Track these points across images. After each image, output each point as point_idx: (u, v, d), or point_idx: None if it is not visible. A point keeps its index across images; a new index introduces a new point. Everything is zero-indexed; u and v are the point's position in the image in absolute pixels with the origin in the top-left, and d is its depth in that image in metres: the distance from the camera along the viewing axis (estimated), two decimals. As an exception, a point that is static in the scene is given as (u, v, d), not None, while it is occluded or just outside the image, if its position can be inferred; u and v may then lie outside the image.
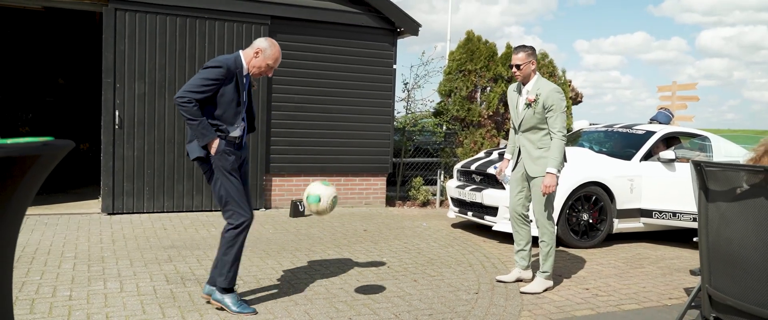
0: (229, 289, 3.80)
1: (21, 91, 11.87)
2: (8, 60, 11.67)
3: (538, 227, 4.56)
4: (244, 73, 3.80)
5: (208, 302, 3.88)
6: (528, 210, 4.70)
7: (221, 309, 3.77)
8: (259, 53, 3.77)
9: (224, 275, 3.77)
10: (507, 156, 4.83)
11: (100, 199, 7.43)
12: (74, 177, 9.68)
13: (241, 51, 3.84)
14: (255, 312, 3.77)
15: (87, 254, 5.20)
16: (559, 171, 4.36)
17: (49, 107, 12.09)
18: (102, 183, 7.26)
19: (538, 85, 4.44)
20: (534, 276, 4.73)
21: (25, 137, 1.90)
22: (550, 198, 4.48)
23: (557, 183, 4.43)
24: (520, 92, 4.57)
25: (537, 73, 4.51)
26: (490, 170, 6.35)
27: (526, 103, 4.46)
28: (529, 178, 4.54)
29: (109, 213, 7.23)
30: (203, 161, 3.76)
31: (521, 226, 4.73)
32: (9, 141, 1.77)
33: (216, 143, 3.68)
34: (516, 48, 4.52)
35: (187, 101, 3.60)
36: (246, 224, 3.77)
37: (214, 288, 3.85)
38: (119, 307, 3.81)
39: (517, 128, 4.60)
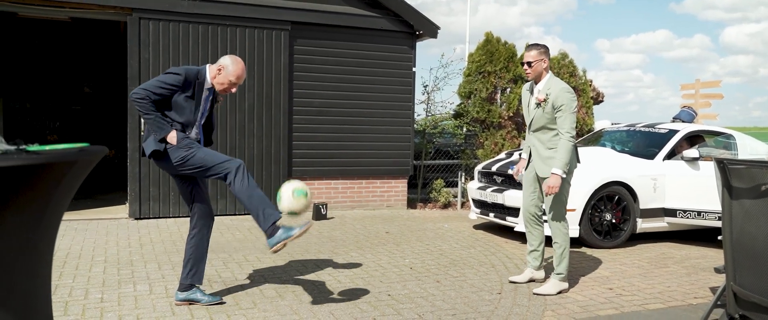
0: (276, 227, 3.60)
1: (49, 99, 12.14)
2: (36, 70, 11.94)
3: (550, 228, 4.54)
4: (208, 85, 3.86)
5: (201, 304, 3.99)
6: (541, 210, 4.68)
7: (217, 303, 3.84)
8: (222, 70, 3.81)
9: (264, 217, 3.61)
10: (523, 156, 4.81)
11: (127, 205, 7.58)
12: (101, 184, 9.88)
13: (208, 65, 3.92)
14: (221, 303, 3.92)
15: (116, 258, 5.31)
16: (565, 172, 4.30)
17: (76, 115, 12.34)
18: (129, 189, 7.41)
19: (549, 84, 4.40)
20: (547, 277, 4.71)
21: (58, 144, 1.98)
22: (561, 198, 4.44)
23: (567, 184, 4.42)
24: (532, 92, 4.55)
25: (549, 72, 4.48)
26: (510, 171, 6.33)
27: (536, 103, 4.44)
28: (539, 179, 4.54)
29: (136, 218, 7.37)
30: (159, 157, 3.78)
31: (534, 227, 4.70)
32: (47, 147, 1.85)
33: (173, 134, 3.72)
34: (528, 46, 4.51)
35: (141, 98, 3.69)
36: (241, 166, 3.70)
37: (188, 292, 3.97)
38: (149, 309, 3.90)
39: (528, 128, 4.60)
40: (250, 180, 3.70)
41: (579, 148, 7.14)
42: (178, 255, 5.45)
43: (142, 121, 3.81)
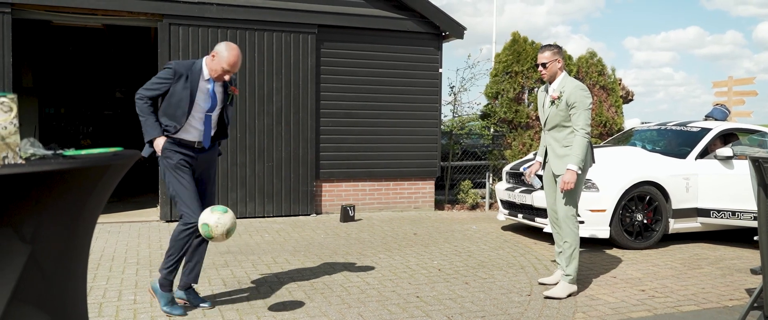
0: (165, 285, 3.87)
1: (82, 105, 12.41)
2: (71, 76, 12.22)
3: (561, 226, 4.47)
4: (206, 77, 3.85)
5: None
6: None
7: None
8: (215, 56, 3.80)
9: (164, 268, 3.86)
10: (538, 158, 4.80)
11: (158, 207, 7.70)
12: (132, 187, 10.06)
13: (204, 57, 3.93)
14: (184, 314, 3.88)
15: (148, 260, 5.40)
16: (580, 168, 4.28)
17: (108, 120, 12.59)
18: (160, 192, 7.53)
19: (563, 83, 4.42)
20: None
21: (91, 148, 2.02)
22: (574, 197, 4.40)
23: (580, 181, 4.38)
24: (547, 91, 4.57)
25: (564, 71, 4.49)
26: (522, 169, 6.22)
27: (550, 100, 4.46)
28: (555, 177, 4.50)
29: (167, 221, 7.48)
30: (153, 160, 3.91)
31: (556, 226, 4.66)
32: (82, 152, 1.89)
33: (158, 141, 3.78)
34: (542, 47, 4.52)
35: (139, 98, 3.79)
36: (192, 227, 3.74)
37: (189, 290, 4.06)
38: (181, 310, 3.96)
39: (544, 126, 4.61)
40: (186, 239, 3.81)
41: (609, 148, 7.09)
42: (207, 258, 5.52)
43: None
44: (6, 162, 1.59)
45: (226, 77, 3.85)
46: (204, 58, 3.90)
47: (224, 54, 3.77)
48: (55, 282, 1.70)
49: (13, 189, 1.46)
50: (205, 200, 3.96)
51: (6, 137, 1.59)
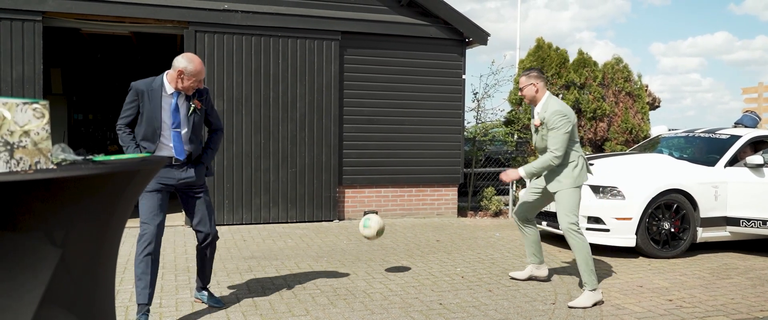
0: (143, 305, 3.73)
1: (109, 111, 12.62)
2: (99, 82, 12.43)
3: (568, 241, 4.50)
4: (169, 92, 3.77)
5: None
6: (533, 215, 4.98)
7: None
8: (182, 73, 3.71)
9: (136, 292, 3.76)
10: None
11: (183, 212, 7.77)
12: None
13: (165, 72, 3.83)
14: None
15: (173, 264, 5.46)
16: (531, 174, 4.55)
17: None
18: (185, 197, 7.61)
19: (545, 106, 4.54)
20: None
21: (116, 154, 2.05)
22: (571, 208, 4.45)
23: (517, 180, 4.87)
24: (533, 114, 4.76)
25: (546, 93, 4.61)
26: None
27: (534, 128, 4.68)
28: (547, 192, 4.68)
29: (191, 226, 7.55)
30: None
31: (524, 225, 4.98)
32: (112, 157, 1.92)
33: None
34: (521, 73, 4.66)
35: (118, 129, 3.79)
36: (147, 239, 3.72)
37: (203, 291, 4.19)
38: (206, 316, 3.99)
39: (535, 148, 4.87)
40: (144, 255, 3.73)
41: (635, 155, 7.00)
42: (231, 263, 5.56)
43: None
44: (38, 167, 1.62)
45: (201, 86, 3.85)
46: (165, 74, 3.82)
47: (190, 68, 3.71)
48: (84, 286, 1.73)
49: (44, 194, 1.49)
50: (194, 219, 4.05)
51: (38, 142, 1.63)
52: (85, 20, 7.30)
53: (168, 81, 3.79)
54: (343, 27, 8.13)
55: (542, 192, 4.76)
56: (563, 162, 4.47)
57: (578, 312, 4.18)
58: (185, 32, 7.56)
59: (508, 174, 4.59)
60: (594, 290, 4.38)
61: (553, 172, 4.55)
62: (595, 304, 4.34)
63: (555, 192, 4.52)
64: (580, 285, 4.69)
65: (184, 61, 3.73)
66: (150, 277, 3.73)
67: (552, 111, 4.47)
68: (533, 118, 4.70)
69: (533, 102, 4.64)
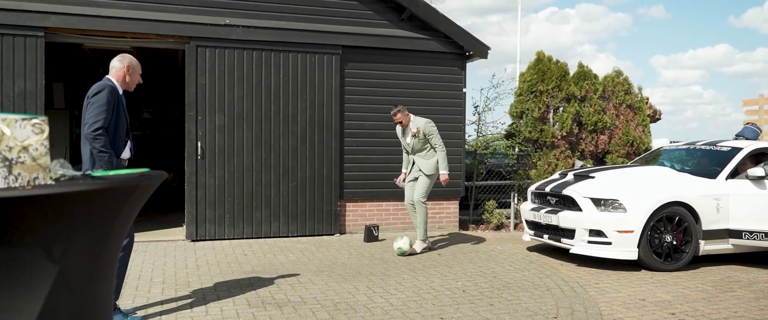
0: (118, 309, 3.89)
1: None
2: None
3: (417, 207, 6.81)
4: (120, 92, 3.92)
5: None
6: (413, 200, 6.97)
7: None
8: (130, 69, 3.93)
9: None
10: (404, 170, 7.24)
11: (185, 227, 7.78)
12: (159, 204, 10.17)
13: (108, 75, 3.91)
14: None
15: (174, 279, 5.45)
16: (442, 171, 6.91)
17: (136, 140, 12.79)
18: (186, 211, 7.61)
19: (416, 123, 6.90)
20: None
21: (114, 170, 2.05)
22: (427, 187, 6.85)
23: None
24: (404, 130, 7.04)
25: (410, 115, 6.98)
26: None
27: (412, 135, 6.89)
28: (418, 177, 6.90)
29: (192, 240, 7.55)
30: None
31: (412, 210, 6.97)
32: (110, 173, 1.92)
33: None
34: (392, 112, 6.88)
35: (98, 134, 3.74)
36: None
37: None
38: (205, 330, 3.97)
39: (410, 151, 7.04)
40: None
41: (636, 168, 7.01)
42: (233, 277, 5.55)
43: (94, 153, 3.85)
44: (37, 183, 1.62)
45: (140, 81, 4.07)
46: (110, 76, 3.93)
47: (134, 63, 3.94)
48: (83, 300, 1.73)
49: (42, 209, 1.49)
50: None
51: (37, 158, 1.63)
52: (87, 36, 7.34)
53: (117, 81, 3.88)
54: (344, 41, 8.16)
55: (415, 180, 6.94)
56: (428, 156, 6.89)
57: (581, 316, 4.16)
58: (186, 47, 7.59)
59: (447, 179, 6.92)
60: (424, 240, 6.87)
61: (424, 162, 6.86)
62: (423, 251, 6.88)
63: (427, 173, 6.82)
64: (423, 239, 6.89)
65: (126, 58, 3.90)
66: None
67: (423, 123, 6.87)
68: (404, 131, 7.00)
69: (407, 123, 6.94)
